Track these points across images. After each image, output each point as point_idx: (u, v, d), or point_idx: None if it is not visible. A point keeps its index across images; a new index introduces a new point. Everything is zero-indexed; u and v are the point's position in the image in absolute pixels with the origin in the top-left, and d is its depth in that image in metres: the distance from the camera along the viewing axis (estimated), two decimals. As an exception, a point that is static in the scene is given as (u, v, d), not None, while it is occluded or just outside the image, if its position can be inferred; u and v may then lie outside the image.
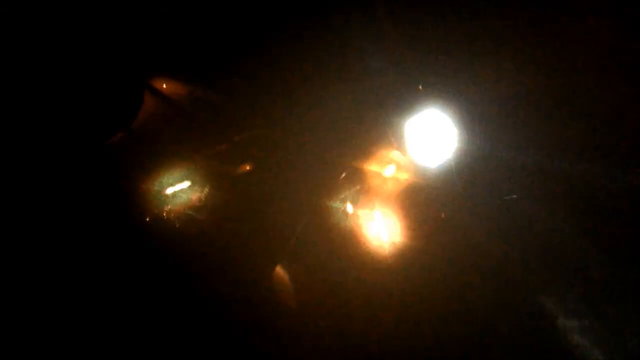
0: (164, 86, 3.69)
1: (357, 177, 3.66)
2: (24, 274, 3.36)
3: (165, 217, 3.57)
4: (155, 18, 3.61)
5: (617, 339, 3.42)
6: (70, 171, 3.47)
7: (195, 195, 3.62)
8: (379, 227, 3.60)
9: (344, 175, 3.67)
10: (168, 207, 3.58)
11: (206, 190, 3.63)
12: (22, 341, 3.28)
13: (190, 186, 3.63)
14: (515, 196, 3.33)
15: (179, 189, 3.61)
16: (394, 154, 3.62)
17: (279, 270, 3.67)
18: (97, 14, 3.54)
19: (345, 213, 3.66)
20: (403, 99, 3.54)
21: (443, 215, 3.55)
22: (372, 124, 3.62)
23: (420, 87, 3.53)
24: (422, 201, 3.58)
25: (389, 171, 3.63)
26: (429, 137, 3.49)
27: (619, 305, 3.42)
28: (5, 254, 3.32)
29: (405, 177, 3.61)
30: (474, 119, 3.44)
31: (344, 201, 3.67)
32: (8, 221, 3.33)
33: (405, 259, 3.57)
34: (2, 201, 3.34)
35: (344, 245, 3.63)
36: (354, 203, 3.65)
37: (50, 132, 3.49)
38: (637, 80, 3.31)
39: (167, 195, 3.59)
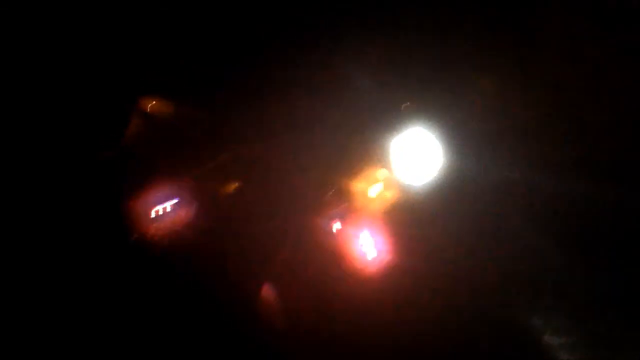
0: (152, 105, 3.71)
1: (343, 196, 3.68)
2: (13, 291, 3.34)
3: (152, 235, 3.57)
4: (144, 37, 3.65)
5: (603, 354, 3.44)
6: (58, 189, 3.47)
7: (183, 214, 3.62)
8: (366, 245, 3.60)
9: (330, 193, 3.69)
10: (155, 225, 3.58)
11: (193, 208, 3.63)
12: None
13: (177, 204, 3.63)
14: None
15: (166, 207, 3.61)
16: (380, 172, 3.64)
17: (266, 288, 3.66)
18: (87, 34, 3.57)
19: (332, 231, 3.67)
20: (388, 118, 3.57)
21: (429, 232, 3.58)
22: (358, 143, 3.65)
23: (404, 105, 3.57)
24: (408, 219, 3.60)
25: (375, 189, 3.65)
26: (414, 156, 3.52)
27: (605, 321, 3.44)
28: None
29: (391, 195, 3.63)
30: (459, 137, 3.48)
31: (330, 219, 3.68)
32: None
33: (392, 276, 3.57)
34: None
35: (330, 263, 3.63)
36: (341, 221, 3.67)
37: (39, 150, 3.49)
38: (621, 99, 3.37)
39: (155, 213, 3.59)
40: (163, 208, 3.60)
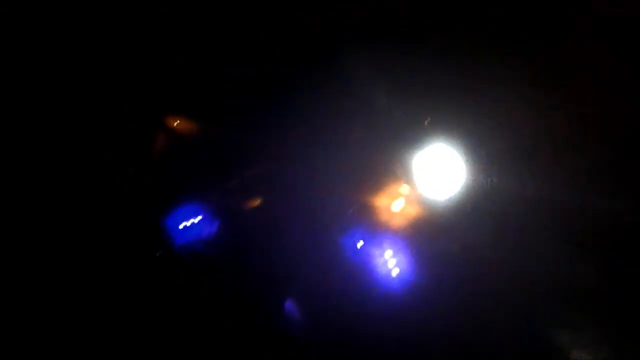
0: (176, 124, 3.77)
1: (366, 212, 3.69)
2: (30, 305, 3.38)
3: (175, 252, 3.61)
4: (167, 57, 3.71)
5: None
6: (81, 207, 3.52)
7: (206, 231, 3.66)
8: (389, 261, 3.60)
9: (353, 209, 3.70)
10: (179, 242, 3.62)
11: (216, 225, 3.67)
12: None
13: (200, 222, 3.67)
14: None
15: (189, 225, 3.65)
16: (402, 188, 3.64)
17: (290, 304, 3.67)
18: (110, 53, 3.64)
19: (355, 247, 3.67)
20: (410, 133, 3.58)
21: (453, 248, 3.56)
22: (380, 159, 3.66)
23: (427, 121, 3.58)
24: (432, 235, 3.59)
25: (397, 206, 3.65)
26: (437, 171, 3.52)
27: (634, 338, 3.38)
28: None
29: (413, 211, 3.62)
30: (481, 152, 3.47)
31: (353, 236, 3.68)
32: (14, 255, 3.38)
33: (416, 292, 3.56)
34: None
35: (353, 279, 3.63)
36: (364, 237, 3.67)
37: (62, 168, 3.56)
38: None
39: (178, 231, 3.63)
40: (188, 224, 3.63)
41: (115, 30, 3.60)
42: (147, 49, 3.65)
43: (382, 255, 3.61)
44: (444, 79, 3.58)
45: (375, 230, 3.66)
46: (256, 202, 3.75)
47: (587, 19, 3.30)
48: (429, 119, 3.57)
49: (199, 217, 3.66)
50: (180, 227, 3.63)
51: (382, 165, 3.67)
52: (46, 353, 3.30)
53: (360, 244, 3.66)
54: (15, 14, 3.44)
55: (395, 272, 3.57)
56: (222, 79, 3.70)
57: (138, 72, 3.65)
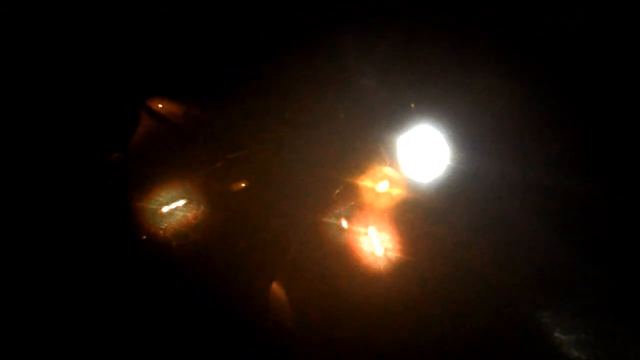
0: (160, 106, 3.75)
1: (351, 193, 3.70)
2: (21, 292, 3.40)
3: (161, 235, 3.61)
4: (152, 39, 3.68)
5: (613, 351, 3.43)
6: (67, 191, 3.52)
7: (191, 213, 3.66)
8: (373, 242, 3.62)
9: (338, 191, 3.71)
10: (164, 226, 3.62)
11: (202, 208, 3.67)
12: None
13: (186, 204, 3.67)
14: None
15: (175, 207, 3.65)
16: (386, 170, 3.65)
17: (276, 286, 3.70)
18: (95, 37, 3.61)
19: (340, 228, 3.69)
20: (395, 116, 3.58)
21: (437, 230, 3.58)
22: (365, 141, 3.66)
23: (412, 104, 3.57)
24: (415, 216, 3.61)
25: (382, 187, 3.66)
26: (421, 153, 3.53)
27: (615, 318, 3.43)
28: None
29: (398, 192, 3.64)
30: (465, 135, 3.48)
31: (338, 217, 3.70)
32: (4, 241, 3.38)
33: (400, 273, 3.59)
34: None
35: (339, 260, 3.65)
36: (349, 219, 3.69)
37: (47, 153, 3.54)
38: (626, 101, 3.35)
39: (163, 214, 3.63)
40: (171, 208, 3.64)
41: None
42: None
43: (366, 236, 3.64)
44: (430, 61, 3.58)
45: (360, 211, 3.68)
46: (241, 184, 3.75)
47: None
48: (412, 105, 3.56)
49: (184, 201, 3.66)
50: (165, 210, 3.63)
51: (367, 147, 3.67)
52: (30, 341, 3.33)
53: (345, 224, 3.68)
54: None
55: (378, 253, 3.60)
56: (202, 62, 3.68)
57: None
